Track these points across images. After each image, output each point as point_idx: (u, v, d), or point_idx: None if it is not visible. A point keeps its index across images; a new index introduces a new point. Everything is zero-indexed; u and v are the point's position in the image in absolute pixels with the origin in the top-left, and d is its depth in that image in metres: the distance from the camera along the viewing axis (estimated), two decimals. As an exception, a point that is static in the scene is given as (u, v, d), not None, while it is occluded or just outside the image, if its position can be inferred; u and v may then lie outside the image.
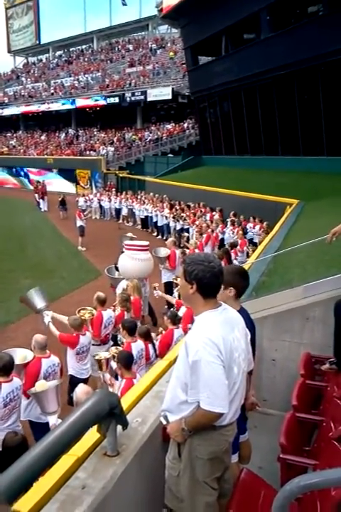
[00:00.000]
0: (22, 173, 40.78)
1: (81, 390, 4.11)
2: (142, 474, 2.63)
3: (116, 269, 9.00)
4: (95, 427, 2.35)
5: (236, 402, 2.52)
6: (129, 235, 10.65)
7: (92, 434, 2.43)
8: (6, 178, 42.01)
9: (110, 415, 2.31)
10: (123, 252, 8.81)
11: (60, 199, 25.49)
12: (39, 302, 6.71)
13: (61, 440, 2.04)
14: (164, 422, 2.57)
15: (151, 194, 23.21)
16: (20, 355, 5.23)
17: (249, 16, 22.34)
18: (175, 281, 8.77)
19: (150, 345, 5.88)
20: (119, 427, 2.43)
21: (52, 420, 4.15)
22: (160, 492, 2.64)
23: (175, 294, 8.31)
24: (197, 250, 10.74)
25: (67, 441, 2.09)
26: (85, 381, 6.03)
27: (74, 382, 5.83)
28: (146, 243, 8.95)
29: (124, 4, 47.11)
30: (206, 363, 2.32)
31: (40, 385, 4.56)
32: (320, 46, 18.20)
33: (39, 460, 1.89)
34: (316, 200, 14.46)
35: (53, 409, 4.24)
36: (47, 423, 4.40)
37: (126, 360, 4.89)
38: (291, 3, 20.92)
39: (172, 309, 7.14)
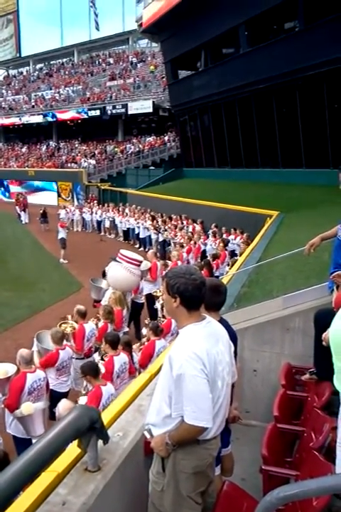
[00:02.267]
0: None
1: (64, 405, 4.06)
2: (124, 489, 2.60)
3: (104, 275, 8.92)
4: (76, 442, 2.33)
5: (220, 415, 2.52)
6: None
7: (73, 450, 2.40)
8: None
9: (91, 430, 2.28)
10: (115, 260, 8.61)
11: (41, 211, 25.29)
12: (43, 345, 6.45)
13: (41, 456, 2.00)
14: (148, 436, 2.55)
15: (133, 206, 23.23)
16: (1, 370, 5.14)
17: (228, 31, 22.76)
18: (155, 294, 8.77)
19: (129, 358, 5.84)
20: (100, 442, 2.41)
21: None
22: (143, 507, 2.61)
23: (158, 306, 8.33)
24: (179, 262, 10.76)
25: (47, 457, 2.06)
26: (65, 395, 5.96)
27: (54, 396, 5.75)
28: (141, 259, 8.91)
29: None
30: (190, 377, 2.31)
31: (26, 408, 4.49)
32: (297, 61, 18.60)
33: (18, 477, 1.85)
34: (295, 211, 14.65)
35: (39, 433, 4.16)
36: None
37: (92, 370, 4.87)
38: (269, 18, 21.34)
39: (154, 320, 7.13)
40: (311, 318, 4.05)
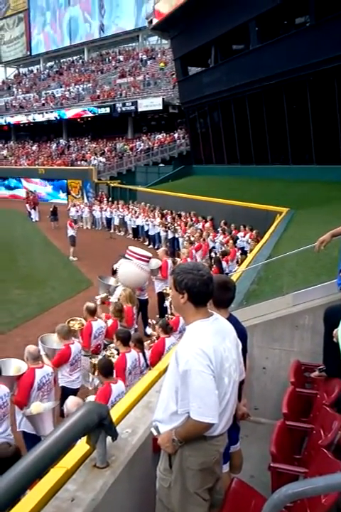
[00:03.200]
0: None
1: (71, 401, 4.09)
2: (132, 486, 2.61)
3: (114, 273, 8.95)
4: (84, 438, 2.34)
5: (227, 412, 2.51)
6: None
7: (82, 446, 2.42)
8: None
9: (99, 426, 2.29)
10: (124, 257, 8.66)
11: (51, 209, 25.41)
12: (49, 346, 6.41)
13: (50, 452, 2.01)
14: (155, 433, 2.56)
15: (142, 203, 23.24)
16: (15, 367, 5.18)
17: (238, 27, 22.61)
18: (165, 292, 8.78)
19: (140, 354, 5.87)
20: (109, 438, 2.42)
21: None
22: (151, 503, 2.62)
23: (167, 304, 8.35)
24: (189, 259, 10.76)
25: (56, 453, 2.07)
26: (76, 391, 5.99)
27: (66, 393, 5.78)
28: (150, 255, 8.96)
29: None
30: (196, 373, 2.31)
31: (36, 407, 4.52)
32: (308, 56, 18.46)
33: (27, 472, 1.87)
34: (306, 208, 14.55)
35: (49, 431, 4.19)
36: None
37: (105, 369, 4.91)
38: (279, 14, 21.18)
39: (163, 318, 7.14)
40: (321, 315, 4.02)
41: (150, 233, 19.95)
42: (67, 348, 6.01)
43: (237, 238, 13.91)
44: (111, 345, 6.21)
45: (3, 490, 1.73)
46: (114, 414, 2.74)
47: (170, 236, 17.61)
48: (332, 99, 19.08)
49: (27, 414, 4.62)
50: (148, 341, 6.60)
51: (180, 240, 16.21)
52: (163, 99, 34.12)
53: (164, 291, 9.03)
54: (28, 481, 1.88)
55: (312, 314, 4.47)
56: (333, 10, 17.45)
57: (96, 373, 5.49)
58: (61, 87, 47.08)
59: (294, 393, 3.74)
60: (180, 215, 19.24)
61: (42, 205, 29.47)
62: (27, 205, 29.61)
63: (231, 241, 12.87)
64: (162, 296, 9.43)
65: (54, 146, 43.84)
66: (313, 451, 3.08)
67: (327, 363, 3.86)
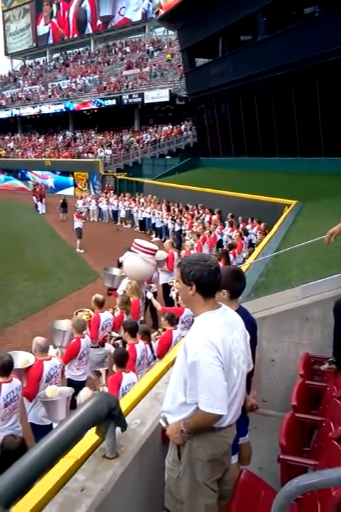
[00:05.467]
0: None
1: (85, 394, 4.10)
2: (141, 476, 2.61)
3: (119, 265, 8.96)
4: (94, 428, 2.34)
5: (236, 404, 2.51)
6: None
7: (91, 436, 2.42)
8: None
9: (109, 417, 2.29)
10: (130, 250, 8.65)
11: (61, 201, 25.44)
12: (58, 338, 6.34)
13: (60, 442, 2.02)
14: (163, 424, 2.56)
15: (149, 196, 23.20)
16: (23, 359, 5.19)
17: (246, 18, 22.41)
18: (171, 283, 8.77)
19: (147, 346, 5.88)
20: (118, 429, 2.42)
21: None
22: (160, 494, 2.62)
23: (173, 294, 8.36)
24: (192, 251, 10.72)
25: (66, 443, 2.07)
26: (84, 383, 6.01)
27: (72, 385, 5.79)
28: (156, 247, 8.96)
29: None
30: (205, 364, 2.30)
31: (51, 391, 4.54)
32: (316, 47, 18.27)
33: (37, 462, 1.87)
34: (314, 200, 14.47)
35: (62, 419, 4.20)
36: (49, 426, 4.38)
37: (120, 359, 4.93)
38: (287, 4, 20.98)
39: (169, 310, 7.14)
40: (330, 307, 4.00)
41: (157, 226, 19.91)
42: (77, 342, 6.02)
43: (247, 231, 13.83)
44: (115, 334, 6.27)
45: (13, 479, 1.73)
46: (123, 405, 2.74)
47: (177, 228, 17.57)
48: (342, 91, 18.90)
49: (41, 398, 4.64)
50: (155, 333, 6.62)
51: (188, 232, 16.16)
52: (169, 90, 33.96)
53: (170, 283, 9.03)
54: (38, 471, 1.88)
55: (321, 307, 4.45)
56: (342, -1, 17.23)
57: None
58: (67, 78, 47.00)
59: (303, 385, 3.73)
60: (186, 208, 19.18)
61: (49, 197, 29.51)
62: (34, 197, 29.68)
63: (238, 233, 12.79)
64: (167, 288, 9.42)
65: (60, 138, 43.84)
66: (323, 444, 3.07)
67: (337, 355, 3.84)
